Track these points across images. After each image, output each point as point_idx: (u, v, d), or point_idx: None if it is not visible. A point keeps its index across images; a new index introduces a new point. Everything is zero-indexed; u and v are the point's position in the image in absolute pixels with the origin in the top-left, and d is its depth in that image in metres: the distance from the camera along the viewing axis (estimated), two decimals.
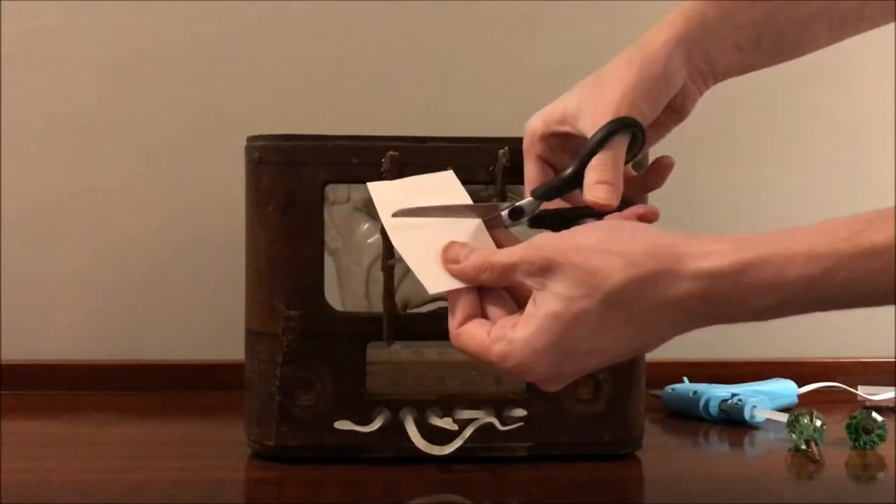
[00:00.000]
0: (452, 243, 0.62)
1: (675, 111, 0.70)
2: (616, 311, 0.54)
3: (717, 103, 1.13)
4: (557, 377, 0.59)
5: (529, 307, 0.57)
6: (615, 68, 0.66)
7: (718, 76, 0.69)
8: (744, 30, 0.67)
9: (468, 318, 0.60)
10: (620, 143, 0.64)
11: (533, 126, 0.70)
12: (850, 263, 0.50)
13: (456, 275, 0.60)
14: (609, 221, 0.61)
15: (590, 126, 0.64)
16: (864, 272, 0.50)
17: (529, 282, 0.57)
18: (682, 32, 0.67)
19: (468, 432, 0.75)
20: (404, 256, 0.62)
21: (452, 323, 0.60)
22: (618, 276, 0.54)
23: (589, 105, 0.65)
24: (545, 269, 0.56)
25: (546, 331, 0.55)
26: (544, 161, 0.70)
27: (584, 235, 0.57)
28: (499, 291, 0.60)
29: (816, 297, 0.51)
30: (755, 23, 0.67)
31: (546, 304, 0.55)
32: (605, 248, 0.55)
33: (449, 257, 0.61)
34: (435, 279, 0.60)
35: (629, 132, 0.64)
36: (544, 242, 0.57)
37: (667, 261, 0.53)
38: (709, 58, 0.67)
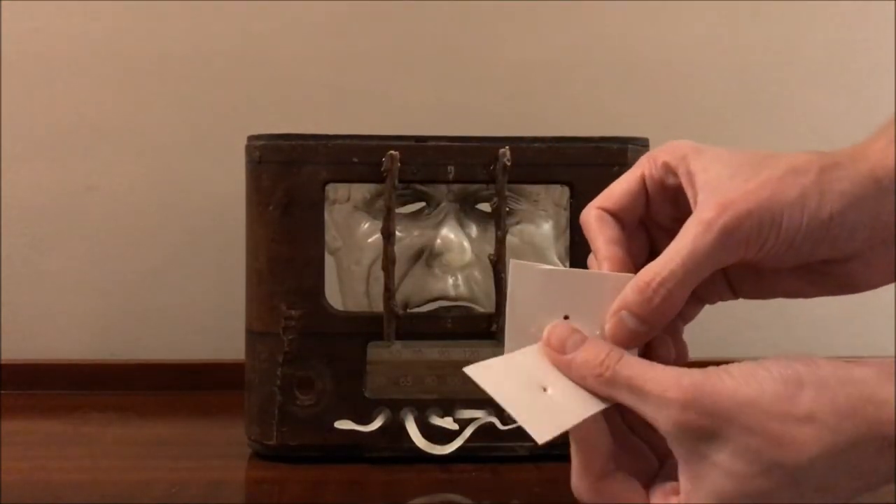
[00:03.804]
0: (558, 324, 0.50)
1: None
2: (802, 487, 0.43)
3: (716, 104, 1.14)
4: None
5: (685, 484, 0.46)
6: (788, 162, 0.49)
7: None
8: None
9: (606, 473, 0.50)
10: None
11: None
12: None
13: (558, 366, 0.50)
14: (780, 364, 0.45)
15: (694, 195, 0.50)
16: None
17: (678, 444, 0.46)
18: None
19: (469, 432, 0.75)
20: (502, 403, 0.52)
21: (586, 476, 0.50)
22: (809, 450, 0.43)
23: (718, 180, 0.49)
24: (705, 434, 0.44)
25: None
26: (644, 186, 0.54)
27: (754, 385, 0.44)
28: (631, 439, 0.51)
29: None
30: None
31: (710, 481, 0.45)
32: (787, 409, 0.43)
33: (553, 342, 0.50)
34: (541, 423, 0.50)
35: None
36: (701, 392, 0.45)
37: (873, 424, 0.43)
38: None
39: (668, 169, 0.52)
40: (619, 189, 0.54)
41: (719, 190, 0.48)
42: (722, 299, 0.56)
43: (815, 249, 0.49)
